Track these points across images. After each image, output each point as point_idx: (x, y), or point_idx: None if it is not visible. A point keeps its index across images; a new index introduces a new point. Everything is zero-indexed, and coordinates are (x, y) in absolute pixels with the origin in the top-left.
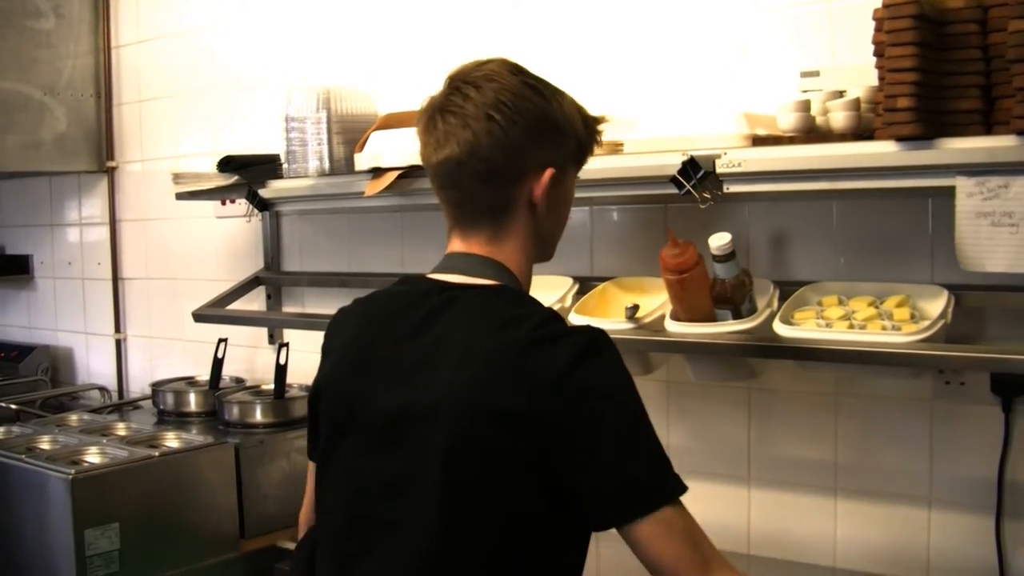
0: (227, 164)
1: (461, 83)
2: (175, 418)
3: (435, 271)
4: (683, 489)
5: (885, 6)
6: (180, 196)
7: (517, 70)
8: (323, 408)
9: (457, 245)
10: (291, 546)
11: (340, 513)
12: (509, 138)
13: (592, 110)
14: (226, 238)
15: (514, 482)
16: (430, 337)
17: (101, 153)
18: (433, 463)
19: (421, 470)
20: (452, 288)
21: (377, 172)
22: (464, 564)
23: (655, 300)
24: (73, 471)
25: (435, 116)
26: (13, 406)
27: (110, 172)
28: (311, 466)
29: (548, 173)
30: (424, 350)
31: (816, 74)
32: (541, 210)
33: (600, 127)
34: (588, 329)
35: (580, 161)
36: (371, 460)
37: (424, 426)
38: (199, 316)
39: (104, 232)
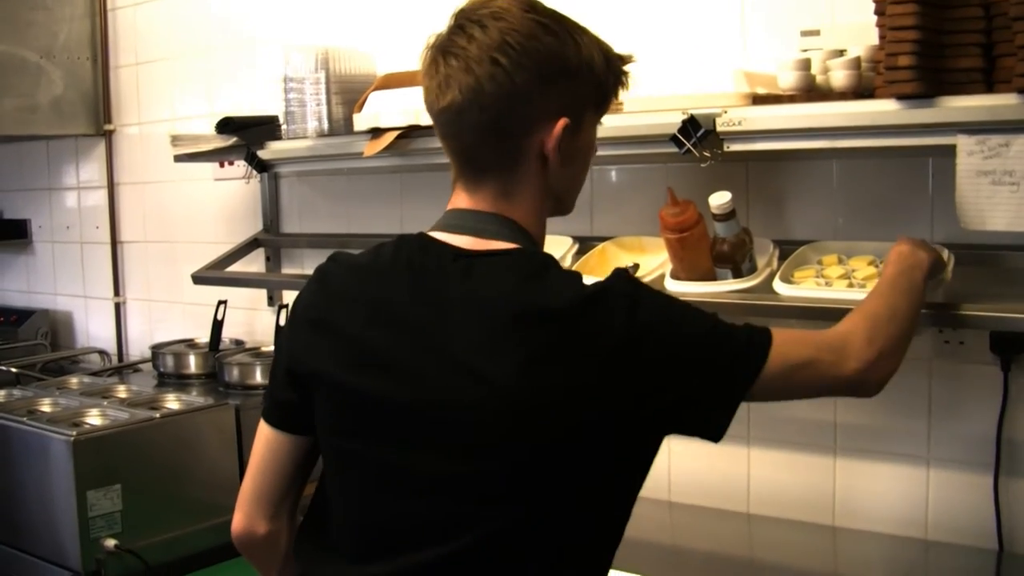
0: (225, 126)
1: (466, 21)
2: (175, 380)
3: (441, 228)
4: (768, 336)
5: None
6: (178, 158)
7: (529, 6)
8: (334, 394)
9: (462, 200)
10: None
11: (359, 510)
12: (515, 84)
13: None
14: (224, 200)
15: (589, 451)
16: (456, 313)
17: (98, 116)
18: (492, 457)
19: (476, 465)
20: (466, 255)
21: (376, 132)
22: (537, 548)
23: (655, 259)
24: (75, 433)
25: (437, 57)
26: (13, 370)
27: (107, 135)
28: (270, 432)
29: (561, 123)
30: (450, 329)
31: (816, 33)
32: (554, 163)
33: (626, 67)
34: (617, 276)
35: (602, 106)
36: (406, 457)
37: (471, 414)
38: (198, 278)
39: (102, 196)
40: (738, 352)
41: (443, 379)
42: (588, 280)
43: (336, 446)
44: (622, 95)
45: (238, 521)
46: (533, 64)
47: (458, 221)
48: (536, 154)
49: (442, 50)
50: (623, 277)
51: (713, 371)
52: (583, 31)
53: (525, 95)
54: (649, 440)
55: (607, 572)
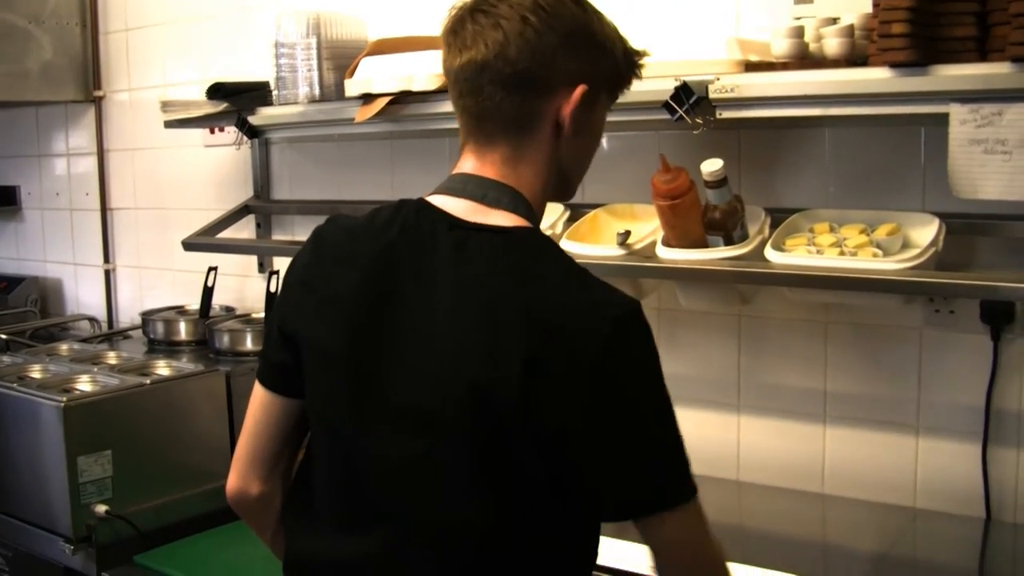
0: (216, 91)
1: None
2: (165, 347)
3: (443, 192)
4: (695, 491)
5: None
6: (169, 124)
7: None
8: (322, 363)
9: (469, 163)
10: None
11: (342, 480)
12: (542, 43)
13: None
14: (215, 167)
15: (529, 464)
16: (440, 292)
17: (88, 82)
18: (444, 441)
19: (431, 450)
20: (461, 227)
21: (367, 98)
22: (495, 543)
23: (646, 226)
24: (65, 399)
25: (465, 17)
26: (3, 336)
27: (97, 102)
28: (263, 394)
29: (580, 89)
30: (433, 311)
31: (810, 0)
32: (567, 132)
33: (641, 61)
34: (625, 300)
35: (615, 91)
36: (381, 439)
37: (436, 402)
38: (188, 245)
39: (92, 162)
40: (681, 470)
41: (419, 355)
42: (569, 247)
43: (318, 410)
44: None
45: (232, 481)
46: (562, 27)
47: (460, 185)
48: (551, 119)
49: (472, 9)
50: (625, 302)
51: (645, 466)
52: (605, 16)
53: (551, 55)
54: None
55: (594, 558)
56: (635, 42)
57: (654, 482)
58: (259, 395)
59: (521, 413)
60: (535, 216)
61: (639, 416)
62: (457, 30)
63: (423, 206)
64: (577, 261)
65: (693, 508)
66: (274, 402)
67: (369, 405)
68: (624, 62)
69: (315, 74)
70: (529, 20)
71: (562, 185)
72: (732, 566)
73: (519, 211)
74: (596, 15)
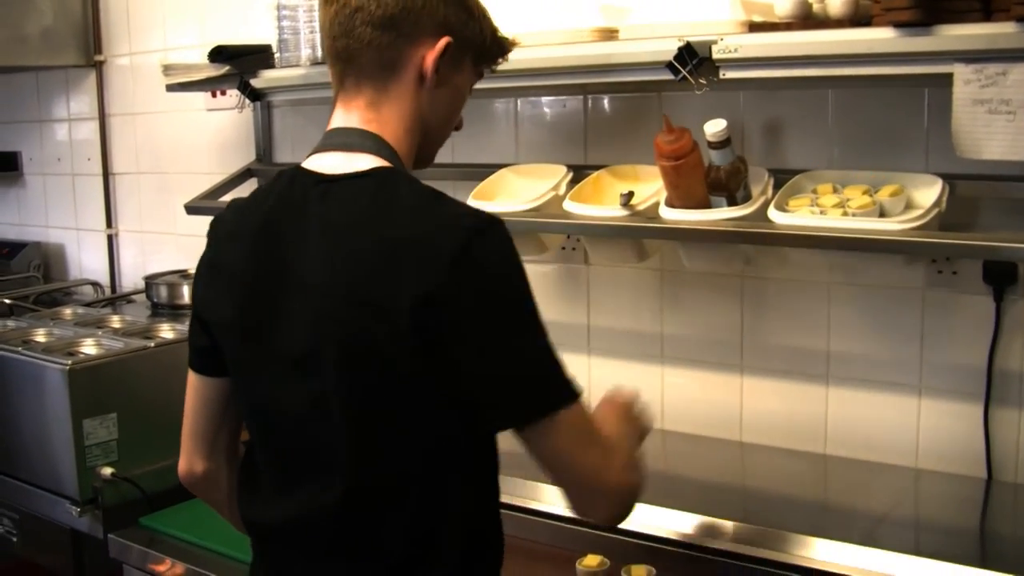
0: (218, 55)
1: None
2: (169, 311)
3: (317, 150)
4: (574, 397)
5: None
6: (171, 88)
7: None
8: (222, 334)
9: (338, 116)
10: None
11: (269, 444)
12: None
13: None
14: (217, 131)
15: (413, 382)
16: (310, 243)
17: (88, 47)
18: (331, 381)
19: (323, 393)
20: (326, 180)
21: None
22: (380, 487)
23: (650, 187)
24: (70, 362)
25: None
26: (7, 301)
27: (98, 66)
28: (193, 377)
29: (444, 40)
30: (305, 259)
31: None
32: (429, 82)
33: (509, 46)
34: (482, 214)
35: (480, 63)
36: (280, 389)
37: (317, 345)
38: (191, 208)
39: (93, 127)
40: (550, 376)
41: (302, 306)
42: (574, 208)
43: (236, 384)
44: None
45: (180, 463)
46: None
47: (329, 140)
48: (416, 66)
49: None
50: (480, 215)
51: (515, 375)
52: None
53: (419, 2)
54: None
55: (497, 496)
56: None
57: (524, 389)
58: (191, 379)
59: (394, 335)
60: (399, 160)
61: (501, 324)
62: None
63: (296, 172)
64: (580, 223)
65: (572, 414)
66: (203, 383)
67: (265, 362)
68: (492, 43)
69: (317, 36)
70: None
71: (423, 141)
72: (732, 526)
73: (381, 153)
74: None
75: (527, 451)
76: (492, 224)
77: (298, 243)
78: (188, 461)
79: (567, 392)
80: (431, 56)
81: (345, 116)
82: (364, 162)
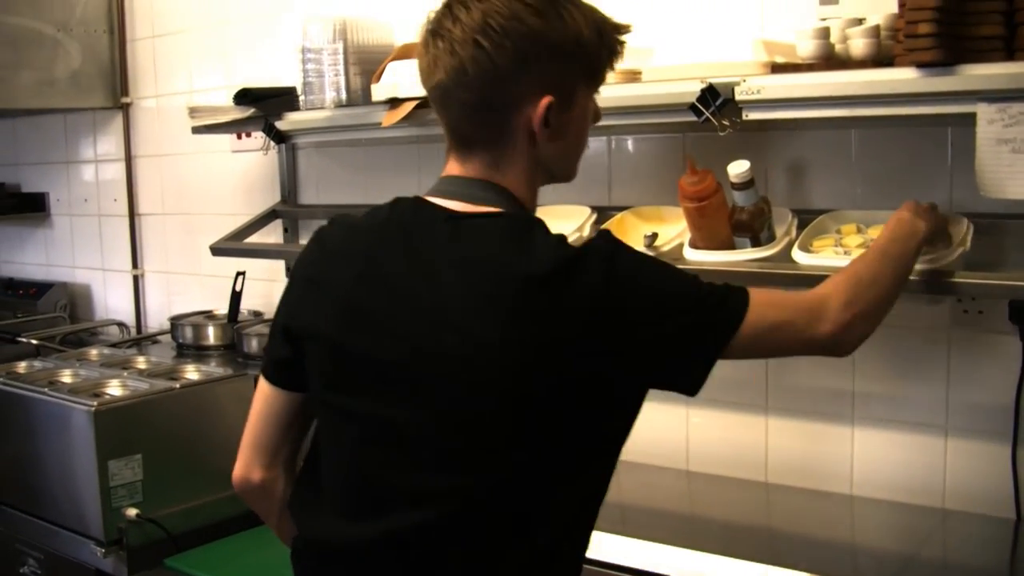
0: (243, 97)
1: (454, 2)
2: (194, 351)
3: (435, 194)
4: (746, 296)
5: None
6: (196, 130)
7: None
8: (323, 350)
9: (454, 168)
10: None
11: (349, 467)
12: (497, 67)
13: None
14: (242, 172)
15: (571, 409)
16: (442, 273)
17: (115, 89)
18: (474, 409)
19: (458, 417)
20: (455, 216)
21: (394, 103)
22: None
23: (674, 228)
24: (96, 403)
25: (428, 38)
26: (34, 342)
27: (125, 108)
28: (266, 387)
29: (545, 102)
30: (436, 288)
31: (835, 1)
32: (541, 139)
33: (622, 37)
34: (598, 235)
35: (594, 80)
36: (393, 409)
37: (458, 372)
38: (217, 249)
39: (120, 168)
40: (716, 309)
41: (427, 338)
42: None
43: (325, 401)
44: (621, 65)
45: (236, 469)
46: (514, 46)
47: (450, 187)
48: (524, 130)
49: (431, 31)
50: (603, 236)
51: (691, 326)
52: (575, 4)
53: (507, 76)
54: (629, 397)
55: (590, 533)
56: (615, 16)
57: (703, 330)
58: (262, 388)
59: (536, 367)
60: (525, 208)
61: (664, 296)
62: (423, 52)
63: (419, 202)
64: None
65: (752, 317)
66: (276, 395)
67: (375, 393)
68: (601, 50)
69: (342, 79)
70: (481, 44)
71: (554, 176)
72: (759, 568)
73: (503, 206)
74: (558, 13)
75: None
76: (616, 240)
77: (424, 272)
78: (246, 469)
79: (738, 305)
80: (536, 119)
81: (462, 169)
82: (489, 211)
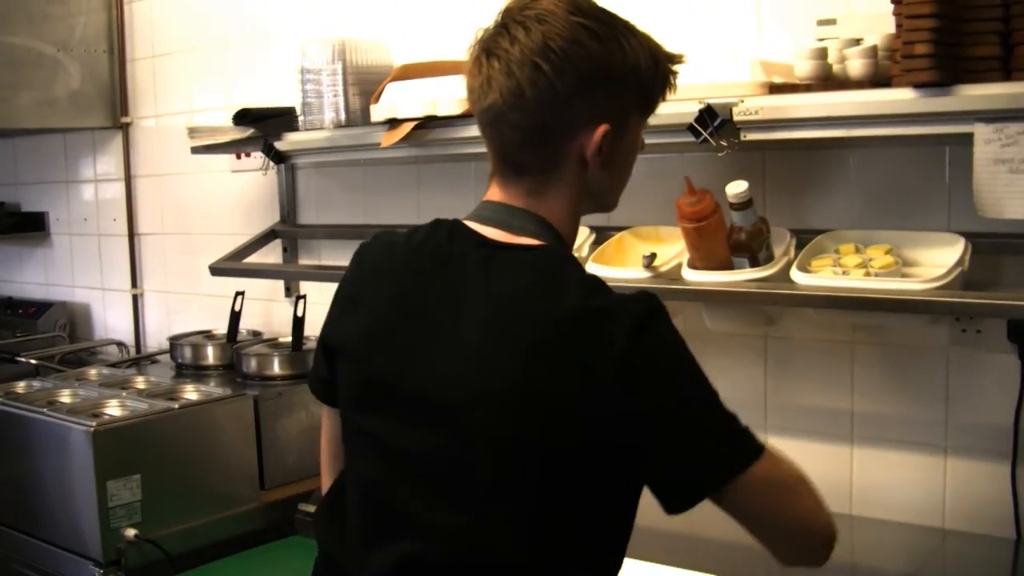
0: (243, 117)
1: (511, 21)
2: (193, 371)
3: (474, 219)
4: (759, 448)
5: None
6: (196, 150)
7: (575, 8)
8: (349, 367)
9: (496, 193)
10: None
11: (370, 486)
12: (556, 91)
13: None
14: (241, 192)
15: (577, 459)
16: (469, 304)
17: (115, 109)
18: (484, 446)
19: (468, 452)
20: (489, 245)
21: (393, 123)
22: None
23: (672, 249)
24: (94, 423)
25: (480, 57)
26: (32, 361)
27: (124, 128)
28: (328, 412)
29: (601, 129)
30: (462, 318)
31: (833, 22)
32: (594, 167)
33: (675, 67)
34: (641, 296)
35: (647, 108)
36: (407, 436)
37: (472, 407)
38: (216, 269)
39: (119, 188)
40: (733, 437)
41: (447, 369)
42: (595, 270)
43: (349, 421)
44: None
45: (322, 484)
46: (575, 70)
47: (489, 213)
48: (576, 157)
49: (485, 50)
50: (644, 298)
51: (699, 445)
52: (632, 32)
53: (566, 101)
54: (625, 474)
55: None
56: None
57: (714, 452)
58: (325, 410)
59: (550, 410)
60: (564, 241)
61: (682, 398)
62: (474, 72)
63: (457, 226)
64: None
65: (762, 467)
66: (327, 413)
67: (392, 405)
68: (655, 79)
69: (341, 99)
70: (541, 67)
71: (598, 205)
72: None
73: (544, 238)
74: (617, 40)
75: (731, 515)
76: (657, 309)
77: (451, 300)
78: (323, 487)
79: (754, 446)
80: (590, 147)
81: (505, 195)
82: (526, 243)
